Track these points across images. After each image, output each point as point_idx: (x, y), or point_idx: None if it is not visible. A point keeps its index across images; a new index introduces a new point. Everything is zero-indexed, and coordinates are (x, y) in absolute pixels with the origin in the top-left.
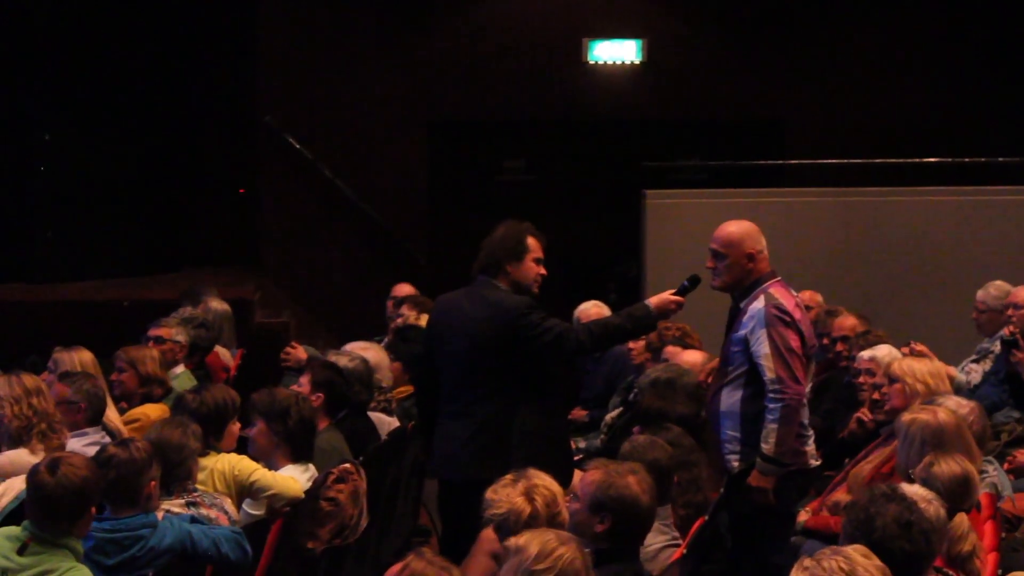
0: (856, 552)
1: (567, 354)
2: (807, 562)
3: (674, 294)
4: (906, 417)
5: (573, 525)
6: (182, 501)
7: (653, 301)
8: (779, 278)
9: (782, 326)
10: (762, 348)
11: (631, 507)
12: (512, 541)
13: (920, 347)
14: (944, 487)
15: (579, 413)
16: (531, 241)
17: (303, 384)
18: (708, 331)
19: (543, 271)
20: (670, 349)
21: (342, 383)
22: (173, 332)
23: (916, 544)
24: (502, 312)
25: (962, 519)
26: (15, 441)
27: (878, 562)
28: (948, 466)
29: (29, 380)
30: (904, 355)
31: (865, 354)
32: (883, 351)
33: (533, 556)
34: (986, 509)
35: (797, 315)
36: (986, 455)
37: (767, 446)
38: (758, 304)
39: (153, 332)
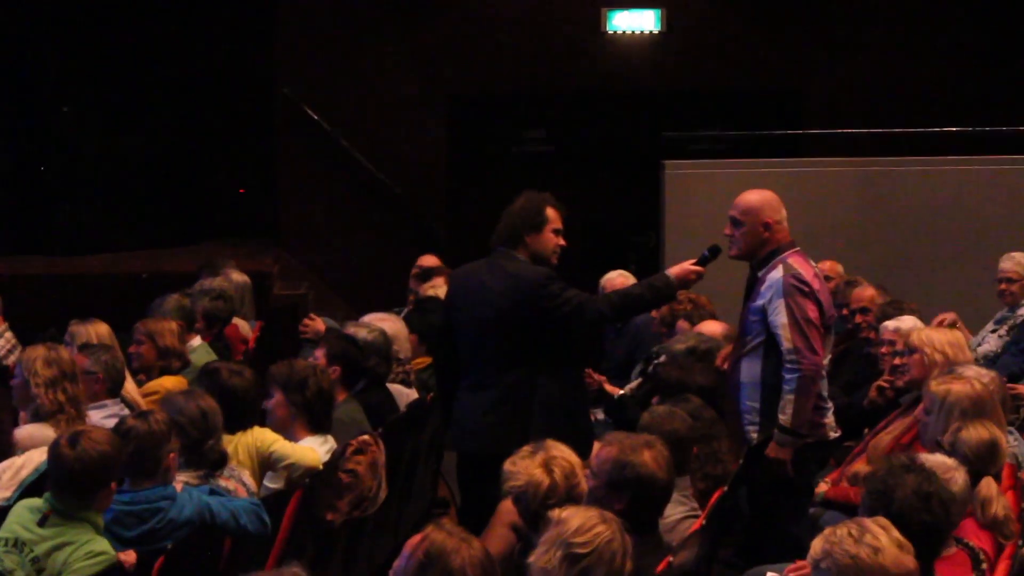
0: (875, 524)
1: (587, 324)
2: (827, 529)
3: (694, 264)
4: (939, 387)
5: (591, 501)
6: (199, 473)
7: (673, 271)
8: (798, 248)
9: (800, 296)
10: (780, 318)
11: (648, 484)
12: (555, 512)
13: (950, 317)
14: (971, 451)
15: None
16: (550, 212)
17: (319, 357)
18: (727, 301)
19: (562, 242)
20: (681, 324)
21: (358, 355)
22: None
23: (935, 515)
24: (522, 283)
25: (989, 482)
26: (40, 417)
27: (896, 534)
28: (976, 431)
29: (66, 360)
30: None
31: (889, 324)
32: (907, 323)
33: (572, 530)
34: (1007, 479)
35: (815, 285)
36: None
37: (784, 417)
38: (776, 274)
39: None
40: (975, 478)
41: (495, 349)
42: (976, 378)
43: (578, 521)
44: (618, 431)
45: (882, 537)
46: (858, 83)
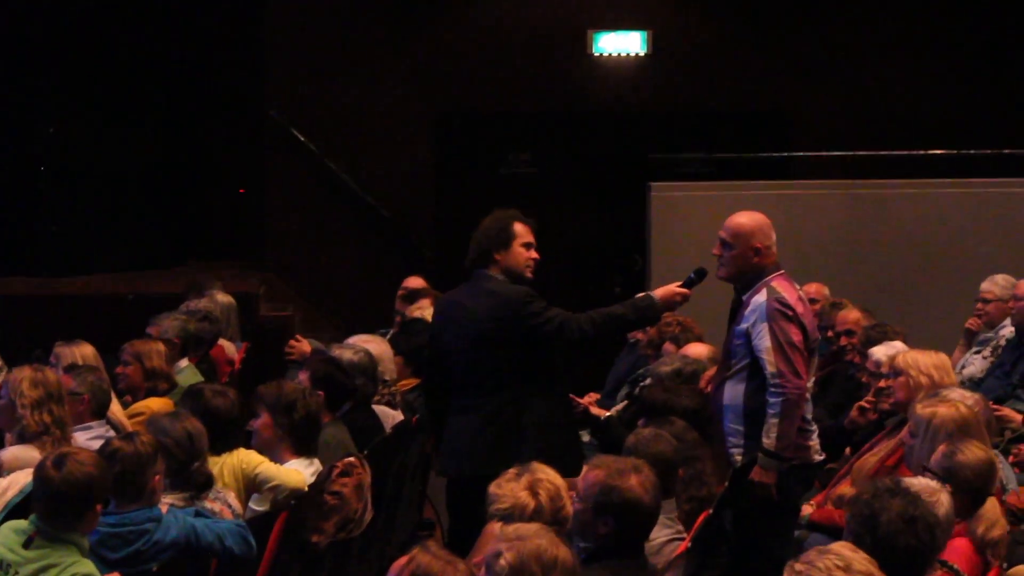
0: (844, 548)
1: (569, 343)
2: (798, 566)
3: (680, 286)
4: (925, 410)
5: (577, 524)
6: (185, 495)
7: (658, 292)
8: (782, 271)
9: (783, 320)
10: (763, 342)
11: (634, 509)
12: (502, 567)
13: None
14: (973, 473)
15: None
16: (518, 227)
17: (303, 380)
18: (712, 323)
19: (535, 255)
20: (667, 347)
21: (342, 377)
22: (162, 331)
23: (921, 539)
24: (502, 303)
25: (994, 503)
26: (25, 439)
27: (864, 555)
28: (973, 452)
29: (52, 381)
30: None
31: (876, 351)
32: (894, 349)
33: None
34: None
35: (799, 308)
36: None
37: (768, 440)
38: (760, 297)
39: (148, 331)
40: (977, 500)
41: (481, 371)
42: (961, 401)
43: (537, 566)
44: (604, 454)
45: (864, 561)
46: (846, 105)
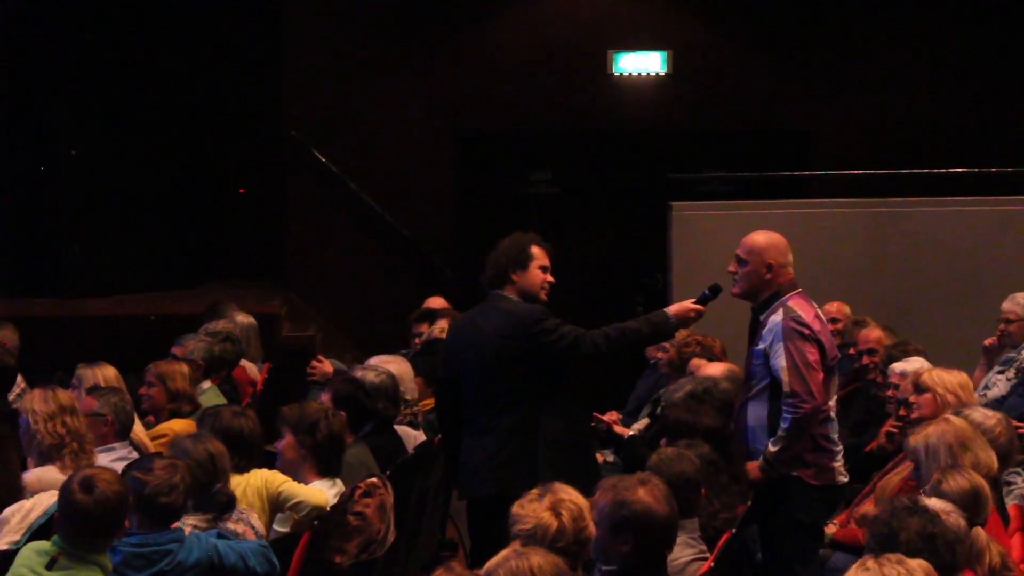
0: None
1: (583, 359)
2: (870, 563)
3: (695, 303)
4: (915, 438)
5: (597, 550)
6: (208, 516)
7: (672, 309)
8: (800, 290)
9: (799, 339)
10: (780, 361)
11: (649, 519)
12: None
13: None
14: (955, 503)
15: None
16: (535, 249)
17: (324, 401)
18: (730, 340)
19: (550, 278)
20: (695, 362)
21: (364, 398)
22: (188, 352)
23: (941, 556)
24: (515, 321)
25: (978, 532)
26: (45, 458)
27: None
28: (956, 481)
29: (64, 397)
30: None
31: (896, 367)
32: (915, 364)
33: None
34: (1015, 521)
35: (816, 327)
36: (1014, 466)
37: (772, 449)
38: (776, 317)
39: (173, 351)
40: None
41: (496, 390)
42: (984, 420)
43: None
44: (628, 472)
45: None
46: (865, 124)
